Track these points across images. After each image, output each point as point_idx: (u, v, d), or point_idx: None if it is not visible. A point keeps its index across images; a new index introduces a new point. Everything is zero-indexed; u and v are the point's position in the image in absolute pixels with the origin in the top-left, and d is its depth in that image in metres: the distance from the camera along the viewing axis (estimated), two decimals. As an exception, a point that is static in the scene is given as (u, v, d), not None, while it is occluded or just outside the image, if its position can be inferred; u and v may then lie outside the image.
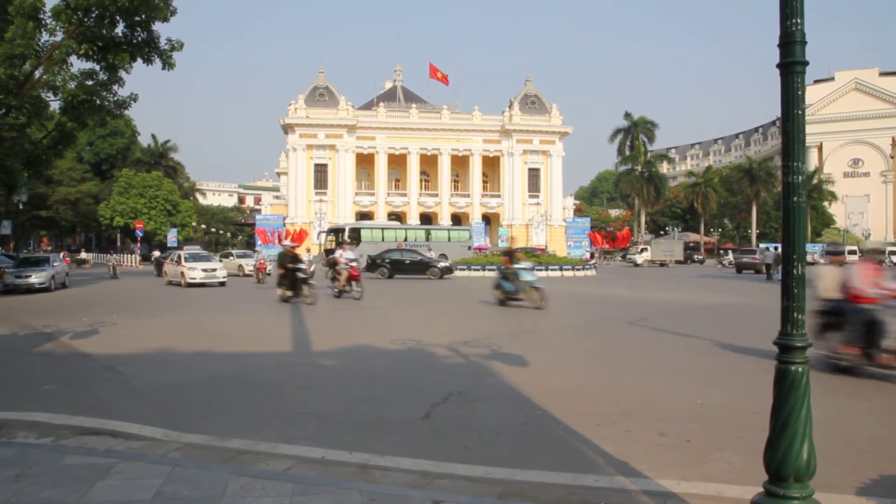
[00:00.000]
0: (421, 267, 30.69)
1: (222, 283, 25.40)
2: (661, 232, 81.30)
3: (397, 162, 69.40)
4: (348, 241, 37.24)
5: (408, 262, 30.96)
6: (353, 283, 18.47)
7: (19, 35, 17.70)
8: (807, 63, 3.05)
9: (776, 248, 35.71)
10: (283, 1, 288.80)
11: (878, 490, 4.03)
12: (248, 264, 34.30)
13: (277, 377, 7.87)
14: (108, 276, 33.81)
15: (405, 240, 42.28)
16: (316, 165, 66.17)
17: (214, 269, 25.63)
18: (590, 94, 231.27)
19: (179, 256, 26.83)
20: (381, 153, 67.54)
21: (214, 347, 10.15)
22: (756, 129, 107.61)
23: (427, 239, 43.39)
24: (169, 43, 19.73)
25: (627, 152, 70.73)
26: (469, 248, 45.44)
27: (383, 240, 41.83)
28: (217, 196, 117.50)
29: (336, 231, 44.04)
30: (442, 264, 31.67)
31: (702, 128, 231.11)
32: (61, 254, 36.06)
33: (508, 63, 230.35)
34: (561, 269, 35.18)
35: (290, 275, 17.26)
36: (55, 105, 21.75)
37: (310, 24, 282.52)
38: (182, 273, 25.08)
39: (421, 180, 70.02)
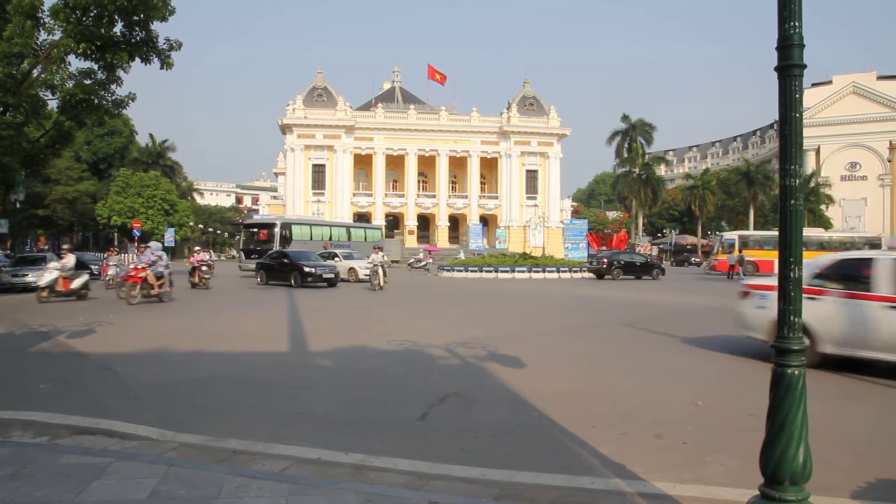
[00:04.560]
0: (647, 268, 34.31)
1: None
2: (659, 234, 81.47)
3: (395, 163, 69.39)
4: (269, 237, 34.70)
5: (638, 264, 34.68)
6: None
7: (17, 34, 17.69)
8: (804, 66, 3.06)
9: (740, 251, 36.70)
10: (282, 1, 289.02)
11: (873, 493, 4.03)
12: (363, 266, 26.05)
13: (274, 377, 7.86)
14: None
15: (329, 238, 39.57)
16: (314, 166, 66.17)
17: None
18: (588, 96, 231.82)
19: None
20: (379, 154, 67.51)
21: (211, 347, 10.14)
22: (754, 132, 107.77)
23: (348, 238, 41.62)
24: (167, 42, 19.77)
25: (625, 154, 70.73)
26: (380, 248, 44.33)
27: (311, 237, 38.17)
28: (215, 196, 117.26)
29: (261, 227, 37.42)
30: (655, 265, 35.21)
31: (700, 130, 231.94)
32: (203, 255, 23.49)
33: (506, 64, 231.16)
34: (558, 271, 35.40)
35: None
36: (53, 104, 21.77)
37: (308, 25, 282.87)
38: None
39: (419, 181, 70.00)
